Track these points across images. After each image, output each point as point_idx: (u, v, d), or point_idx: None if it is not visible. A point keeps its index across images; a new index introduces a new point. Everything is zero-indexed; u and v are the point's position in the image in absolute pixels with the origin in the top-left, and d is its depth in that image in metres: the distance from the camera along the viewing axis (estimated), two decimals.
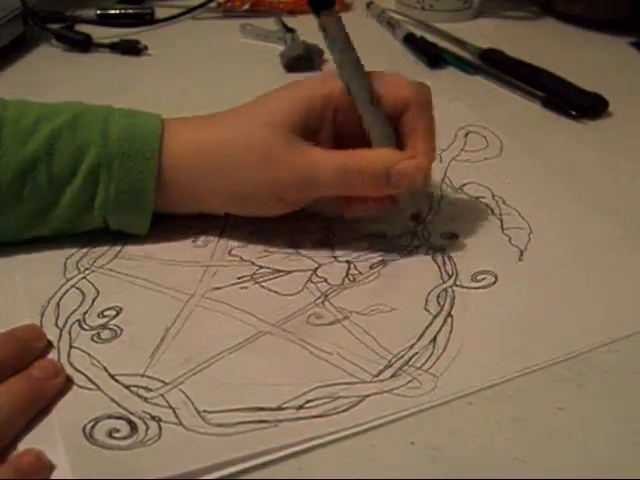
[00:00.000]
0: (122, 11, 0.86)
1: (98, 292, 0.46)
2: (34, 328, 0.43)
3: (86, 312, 0.45)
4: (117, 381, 0.40)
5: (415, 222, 0.50)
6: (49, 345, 0.42)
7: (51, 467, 0.35)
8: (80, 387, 0.40)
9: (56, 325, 0.43)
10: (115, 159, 0.47)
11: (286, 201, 0.48)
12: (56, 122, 0.47)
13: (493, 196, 0.55)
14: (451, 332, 0.43)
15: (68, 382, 0.40)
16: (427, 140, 0.48)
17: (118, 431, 0.37)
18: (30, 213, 0.47)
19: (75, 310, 0.45)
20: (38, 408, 0.38)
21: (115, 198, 0.47)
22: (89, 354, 0.42)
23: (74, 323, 0.44)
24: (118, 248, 0.49)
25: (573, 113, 0.66)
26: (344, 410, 0.38)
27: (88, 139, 0.47)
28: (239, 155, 0.47)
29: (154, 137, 0.47)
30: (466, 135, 0.63)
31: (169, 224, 0.51)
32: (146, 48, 0.79)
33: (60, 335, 0.43)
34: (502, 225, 0.52)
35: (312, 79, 0.49)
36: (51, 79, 0.75)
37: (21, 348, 0.40)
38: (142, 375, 0.40)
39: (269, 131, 0.46)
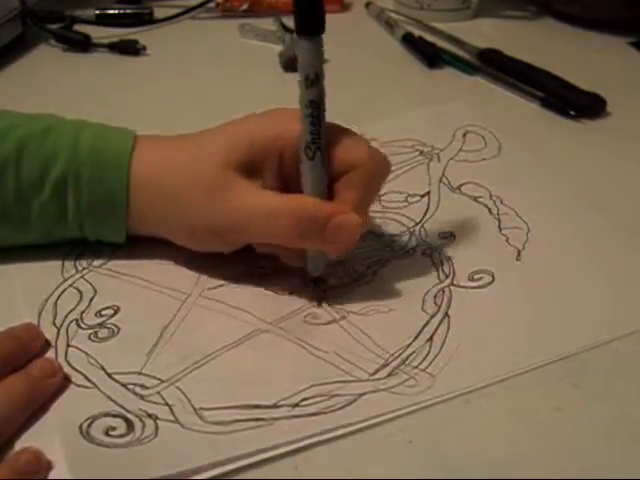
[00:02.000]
0: (121, 11, 0.86)
1: (95, 291, 0.46)
2: (31, 327, 0.43)
3: (84, 311, 0.45)
4: (114, 379, 0.40)
5: (315, 286, 0.46)
6: (47, 344, 0.42)
7: (49, 466, 0.36)
8: (77, 385, 0.40)
9: (54, 324, 0.44)
10: (84, 170, 0.46)
11: (227, 240, 0.46)
12: (28, 129, 0.46)
13: (491, 196, 0.55)
14: (448, 331, 0.43)
15: (65, 381, 0.40)
16: (360, 202, 0.44)
17: (115, 429, 0.37)
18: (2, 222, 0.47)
19: (73, 309, 0.45)
20: (35, 406, 0.38)
21: (87, 210, 0.46)
22: (86, 353, 0.42)
23: (71, 322, 0.44)
24: (116, 247, 0.49)
25: (572, 113, 0.66)
26: (340, 408, 0.39)
27: (57, 148, 0.46)
28: (186, 186, 0.45)
29: (124, 151, 0.46)
30: (464, 135, 0.63)
31: None
32: (145, 48, 0.79)
33: (57, 334, 0.43)
34: (500, 225, 0.52)
35: (270, 115, 0.46)
36: (50, 79, 0.75)
37: (18, 347, 0.41)
38: (139, 373, 0.40)
39: (212, 166, 0.45)
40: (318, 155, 0.43)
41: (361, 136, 0.46)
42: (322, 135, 0.43)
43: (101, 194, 0.46)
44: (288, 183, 0.45)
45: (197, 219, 0.45)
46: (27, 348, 0.41)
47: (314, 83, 0.42)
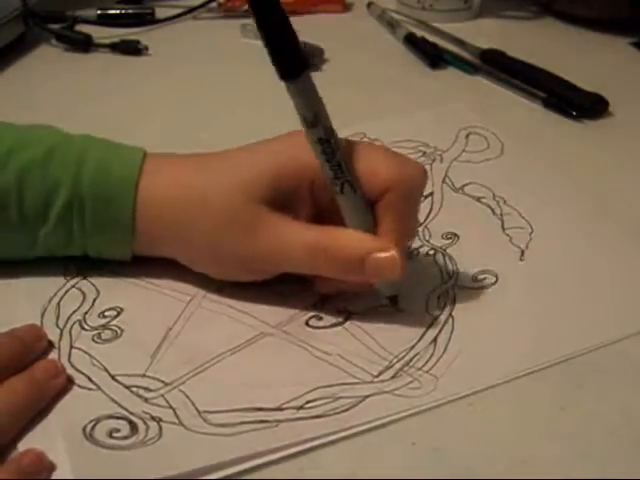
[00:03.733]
0: (122, 11, 0.86)
1: (99, 292, 0.46)
2: (35, 328, 0.43)
3: (87, 312, 0.45)
4: (118, 381, 0.40)
5: (393, 305, 0.45)
6: (50, 345, 0.42)
7: (52, 467, 0.36)
8: (80, 387, 0.40)
9: (57, 325, 0.43)
10: (87, 201, 0.44)
11: (254, 272, 0.45)
12: (28, 155, 0.44)
13: (494, 196, 0.55)
14: (452, 333, 0.43)
15: (69, 382, 0.40)
16: (403, 225, 0.43)
17: (118, 431, 0.37)
18: (5, 249, 0.46)
19: (76, 310, 0.45)
20: (38, 408, 0.38)
21: (92, 234, 0.45)
22: (90, 354, 0.42)
23: (75, 323, 0.44)
24: None
25: (574, 113, 0.66)
26: (344, 410, 0.39)
27: (59, 179, 0.44)
28: (209, 216, 0.43)
29: (129, 180, 0.44)
30: (467, 136, 0.63)
31: None
32: (146, 48, 0.79)
33: (61, 335, 0.43)
34: (503, 225, 0.52)
35: (291, 142, 0.43)
36: (51, 79, 0.75)
37: (22, 348, 0.40)
38: (143, 375, 0.40)
39: (240, 199, 0.42)
40: (347, 187, 0.42)
41: (388, 150, 0.44)
42: (344, 167, 0.41)
43: (107, 225, 0.45)
44: (323, 211, 0.44)
45: (221, 251, 0.44)
46: (30, 349, 0.41)
47: (315, 123, 0.41)
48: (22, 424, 0.37)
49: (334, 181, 0.42)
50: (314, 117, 0.41)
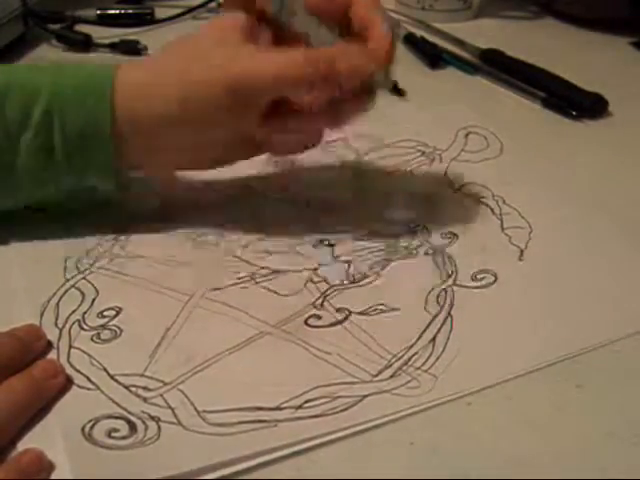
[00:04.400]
0: (122, 11, 0.86)
1: (98, 292, 0.46)
2: (34, 328, 0.43)
3: (86, 312, 0.44)
4: (116, 381, 0.40)
5: (397, 95, 0.49)
6: (49, 345, 0.42)
7: (51, 467, 0.36)
8: (79, 387, 0.40)
9: (56, 325, 0.43)
10: (67, 103, 0.46)
11: (240, 99, 0.45)
12: (11, 69, 0.48)
13: (493, 196, 0.55)
14: (450, 332, 0.43)
15: (68, 382, 0.40)
16: (380, 22, 0.47)
17: (117, 431, 0.37)
18: None
19: (75, 310, 0.45)
20: (37, 408, 0.38)
21: (74, 143, 0.46)
22: (89, 354, 0.42)
23: (74, 323, 0.44)
24: (118, 248, 0.49)
25: (573, 113, 0.66)
26: (343, 410, 0.39)
27: (40, 82, 0.46)
28: (186, 56, 0.46)
29: (106, 77, 0.46)
30: (466, 136, 0.63)
31: (169, 224, 0.51)
32: (146, 48, 0.79)
33: (60, 335, 0.43)
34: (502, 225, 0.52)
35: None
36: None
37: (21, 348, 0.40)
38: (141, 375, 0.40)
39: (217, 36, 0.46)
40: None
41: None
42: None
43: (85, 119, 0.46)
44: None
45: (211, 72, 0.45)
46: (29, 349, 0.41)
47: None
48: (21, 423, 0.37)
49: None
50: None
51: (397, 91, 0.48)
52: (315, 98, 0.46)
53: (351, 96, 0.47)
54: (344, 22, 0.47)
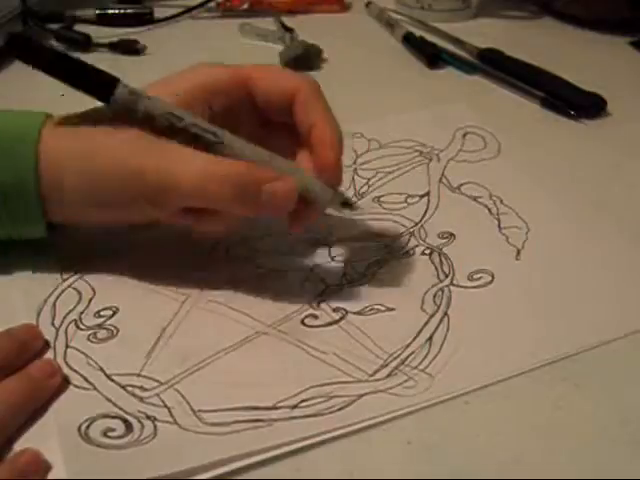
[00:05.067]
0: (121, 11, 0.86)
1: (95, 292, 0.46)
2: (31, 327, 0.43)
3: (82, 312, 0.44)
4: (113, 381, 0.40)
5: (349, 209, 0.46)
6: (46, 344, 0.42)
7: (48, 467, 0.36)
8: (76, 387, 0.40)
9: (52, 325, 0.43)
10: None
11: (156, 203, 0.43)
12: None
13: (490, 196, 0.55)
14: (447, 331, 0.43)
15: (64, 382, 0.40)
16: (330, 132, 0.44)
17: (113, 430, 0.37)
18: None
19: (71, 310, 0.45)
20: (34, 408, 0.38)
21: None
22: (85, 354, 0.42)
23: (70, 323, 0.44)
24: (115, 248, 0.49)
25: (572, 113, 0.66)
26: (339, 409, 0.38)
27: None
28: (105, 145, 0.43)
29: (32, 131, 0.44)
30: (464, 136, 0.63)
31: (167, 224, 0.51)
32: (145, 48, 0.79)
33: (56, 335, 0.43)
34: (499, 224, 0.52)
35: (193, 68, 0.46)
36: (51, 79, 0.74)
37: (18, 348, 0.41)
38: (138, 375, 0.40)
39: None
40: (224, 137, 0.43)
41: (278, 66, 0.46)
42: (205, 127, 0.43)
43: (10, 173, 0.43)
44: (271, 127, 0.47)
45: (123, 181, 0.43)
46: (26, 349, 0.41)
47: (150, 118, 0.42)
48: (18, 424, 0.37)
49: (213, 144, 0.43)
50: (146, 113, 0.42)
51: (348, 205, 0.45)
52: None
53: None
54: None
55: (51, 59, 0.43)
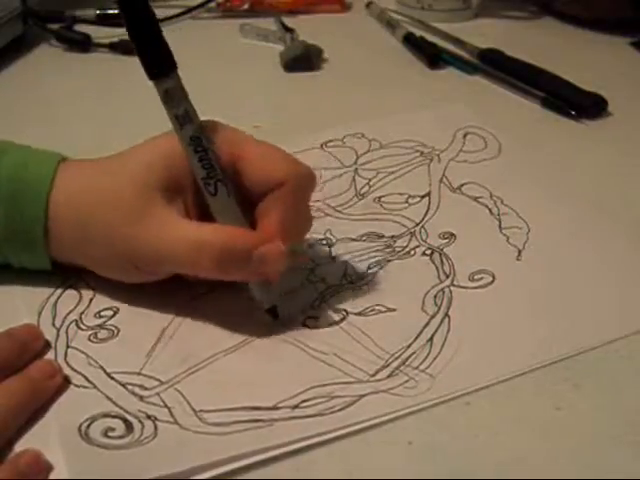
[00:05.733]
0: None
1: (95, 293, 0.46)
2: (31, 328, 0.43)
3: (83, 312, 0.45)
4: (113, 379, 0.40)
5: (272, 317, 0.44)
6: (47, 344, 0.42)
7: (49, 467, 0.36)
8: (77, 386, 0.40)
9: (53, 325, 0.43)
10: (2, 201, 0.44)
11: (146, 270, 0.44)
12: None
13: (491, 196, 0.55)
14: (448, 332, 0.43)
15: (65, 382, 0.40)
16: (290, 220, 0.43)
17: (114, 430, 0.37)
18: None
19: (72, 310, 0.45)
20: (35, 408, 0.38)
21: (7, 240, 0.44)
22: (86, 354, 0.42)
23: (71, 323, 0.44)
24: None
25: (573, 113, 0.66)
26: (339, 410, 0.38)
27: None
28: (104, 210, 0.43)
29: (44, 180, 0.44)
30: (465, 136, 0.63)
31: None
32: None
33: (57, 335, 0.43)
34: (500, 225, 0.52)
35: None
36: (51, 79, 0.75)
37: (18, 348, 0.40)
38: (138, 374, 0.40)
39: (132, 185, 0.43)
40: (221, 188, 0.42)
41: (279, 149, 0.44)
42: (216, 166, 0.42)
43: (20, 224, 0.44)
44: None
45: (114, 247, 0.43)
46: (26, 349, 0.41)
47: (186, 120, 0.41)
48: (19, 425, 0.37)
49: (208, 182, 0.42)
50: (185, 113, 0.41)
51: (272, 312, 0.44)
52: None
53: None
54: None
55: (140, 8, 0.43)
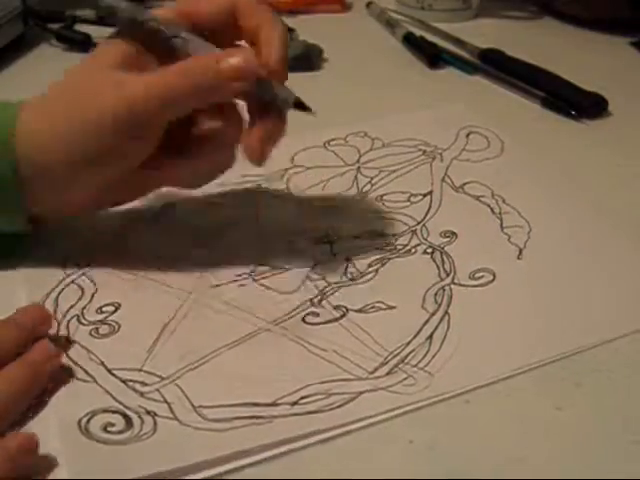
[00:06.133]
0: None
1: (97, 288, 0.46)
2: (39, 310, 0.42)
3: (85, 307, 0.45)
4: (114, 375, 0.40)
5: (303, 110, 0.45)
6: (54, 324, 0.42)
7: (44, 459, 0.35)
8: (77, 380, 0.40)
9: (55, 320, 0.43)
10: None
11: (134, 132, 0.44)
12: None
13: (493, 195, 0.55)
14: (448, 330, 0.43)
15: (65, 375, 0.40)
16: (277, 31, 0.45)
17: (113, 425, 0.37)
18: None
19: (74, 305, 0.45)
20: (36, 393, 0.38)
21: None
22: (87, 348, 0.42)
23: (73, 318, 0.44)
24: (118, 244, 0.49)
25: (573, 113, 0.66)
26: (338, 407, 0.38)
27: None
28: (80, 105, 0.44)
29: (4, 124, 0.44)
30: (468, 135, 0.63)
31: (168, 224, 0.51)
32: None
33: (58, 330, 0.43)
34: (502, 224, 0.52)
35: None
36: (51, 79, 0.74)
37: (25, 337, 0.40)
38: (139, 370, 0.40)
39: (101, 73, 0.44)
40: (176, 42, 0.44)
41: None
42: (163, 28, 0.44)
43: None
44: None
45: (101, 126, 0.43)
46: (33, 335, 0.40)
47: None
48: (20, 411, 0.37)
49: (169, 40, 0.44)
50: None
51: (301, 106, 0.45)
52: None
53: (257, 118, 0.45)
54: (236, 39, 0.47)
55: None
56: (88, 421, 0.37)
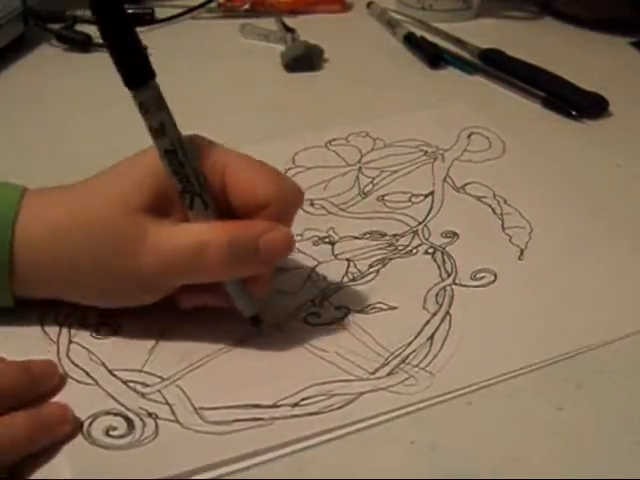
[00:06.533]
0: None
1: None
2: (49, 364, 0.40)
3: (86, 308, 0.44)
4: (115, 376, 0.40)
5: (254, 326, 0.43)
6: (62, 381, 0.40)
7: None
8: (78, 382, 0.40)
9: (56, 321, 0.43)
10: None
11: (147, 291, 0.41)
12: None
13: (494, 196, 0.55)
14: (449, 330, 0.43)
15: (67, 378, 0.40)
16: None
17: (115, 429, 0.37)
18: None
19: (75, 305, 0.44)
20: (39, 446, 0.36)
21: None
22: (88, 349, 0.42)
23: (74, 319, 0.44)
24: None
25: (573, 113, 0.66)
26: (339, 407, 0.38)
27: None
28: (92, 238, 0.40)
29: (8, 213, 0.41)
30: (469, 136, 0.63)
31: None
32: (146, 48, 0.79)
33: (60, 330, 0.43)
34: (503, 224, 0.52)
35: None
36: (51, 79, 0.75)
37: (30, 381, 0.38)
38: (140, 371, 0.40)
39: (119, 212, 0.40)
40: (197, 202, 0.40)
41: (265, 166, 0.42)
42: (194, 180, 0.40)
43: None
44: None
45: (111, 276, 0.41)
46: (39, 385, 0.39)
47: (161, 132, 0.39)
48: (17, 458, 0.35)
49: (183, 195, 0.40)
50: (160, 125, 0.39)
51: (254, 321, 0.43)
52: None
53: None
54: None
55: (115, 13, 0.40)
56: (90, 424, 0.37)
